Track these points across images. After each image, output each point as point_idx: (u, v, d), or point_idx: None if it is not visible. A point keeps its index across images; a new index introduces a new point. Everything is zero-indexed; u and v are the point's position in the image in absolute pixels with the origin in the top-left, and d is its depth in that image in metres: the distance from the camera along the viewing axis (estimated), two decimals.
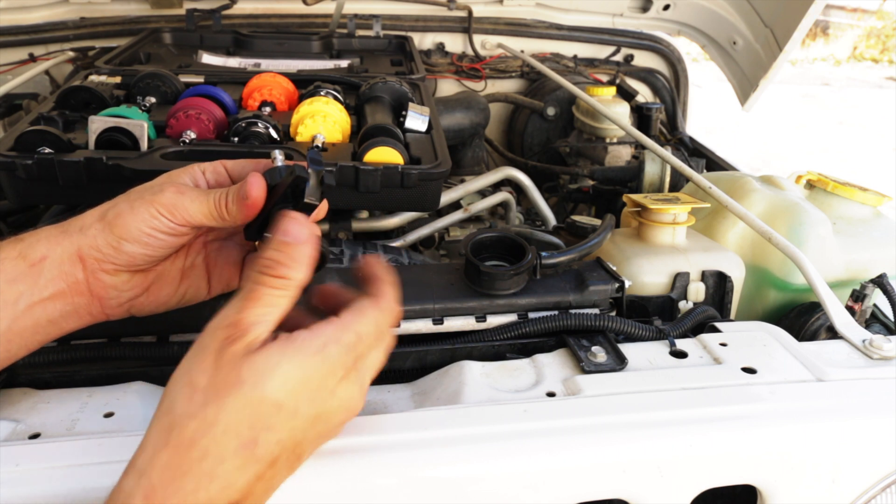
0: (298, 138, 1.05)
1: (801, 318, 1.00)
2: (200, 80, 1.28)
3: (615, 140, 1.69)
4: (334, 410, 0.56)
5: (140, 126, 0.97)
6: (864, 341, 0.79)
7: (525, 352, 0.81)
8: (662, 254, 0.99)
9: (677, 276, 0.97)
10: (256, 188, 0.61)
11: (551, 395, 0.70)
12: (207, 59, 1.58)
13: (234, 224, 0.63)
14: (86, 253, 0.62)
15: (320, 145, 1.01)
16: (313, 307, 0.63)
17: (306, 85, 1.22)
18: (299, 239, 0.57)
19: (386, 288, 0.61)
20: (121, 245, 0.61)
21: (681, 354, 0.78)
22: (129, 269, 0.64)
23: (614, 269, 0.90)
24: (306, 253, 0.57)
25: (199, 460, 0.49)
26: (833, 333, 0.83)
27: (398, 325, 0.66)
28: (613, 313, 0.88)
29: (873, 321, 1.00)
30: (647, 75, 2.11)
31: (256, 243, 0.67)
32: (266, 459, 0.51)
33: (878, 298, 0.98)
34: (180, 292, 0.69)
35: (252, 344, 0.52)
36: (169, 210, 0.61)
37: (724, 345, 0.79)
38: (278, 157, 0.65)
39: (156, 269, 0.67)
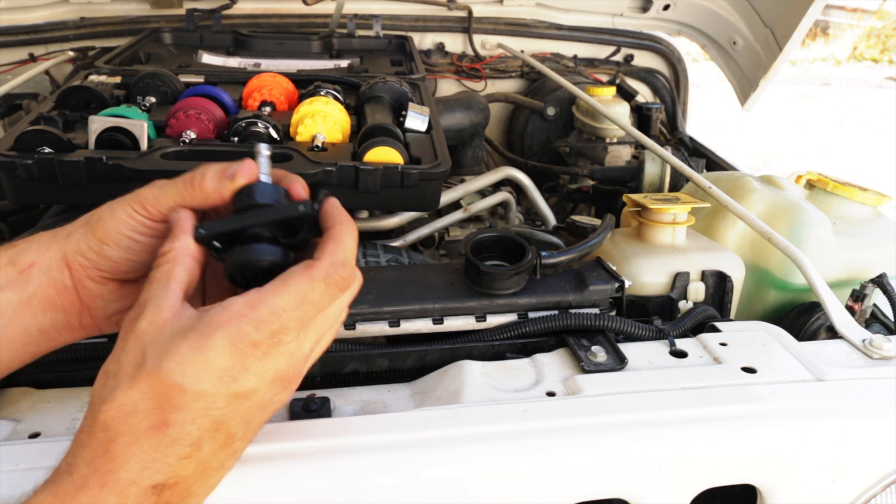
0: (298, 138, 1.05)
1: (801, 318, 1.00)
2: (200, 80, 1.28)
3: (615, 140, 1.69)
4: (255, 387, 0.53)
5: (140, 126, 0.97)
6: (864, 341, 0.79)
7: (525, 351, 0.81)
8: (662, 254, 0.99)
9: (677, 275, 0.97)
10: (246, 173, 0.59)
11: (551, 394, 0.70)
12: (207, 59, 1.58)
13: (204, 199, 0.60)
14: (71, 258, 0.61)
15: (320, 145, 1.01)
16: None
17: (306, 85, 1.22)
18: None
19: (330, 246, 0.56)
20: (102, 249, 0.60)
21: (681, 354, 0.78)
22: (115, 278, 0.63)
23: (614, 268, 0.90)
24: (175, 223, 0.58)
25: (113, 441, 0.49)
26: (833, 333, 0.83)
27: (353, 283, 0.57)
28: (613, 313, 0.88)
29: (873, 321, 1.00)
30: (647, 75, 2.10)
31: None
32: (185, 441, 0.50)
33: (878, 298, 0.98)
34: None
35: (156, 317, 0.52)
36: (141, 204, 0.60)
37: (723, 344, 0.79)
38: (263, 152, 0.61)
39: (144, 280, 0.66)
